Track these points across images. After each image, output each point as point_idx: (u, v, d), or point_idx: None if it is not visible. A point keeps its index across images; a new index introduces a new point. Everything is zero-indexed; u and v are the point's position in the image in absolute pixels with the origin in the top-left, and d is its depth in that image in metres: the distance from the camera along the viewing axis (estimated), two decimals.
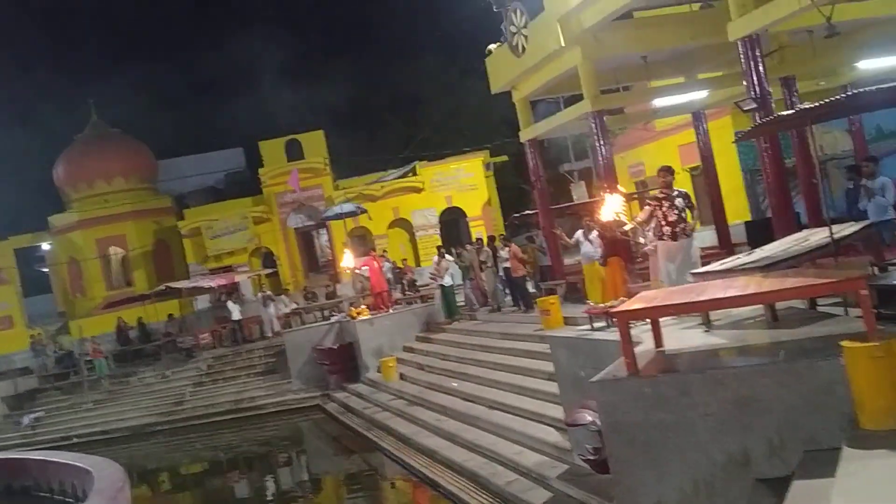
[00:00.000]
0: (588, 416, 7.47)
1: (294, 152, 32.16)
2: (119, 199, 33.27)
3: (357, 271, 23.06)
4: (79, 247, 32.98)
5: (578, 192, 27.98)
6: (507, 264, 16.74)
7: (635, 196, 20.79)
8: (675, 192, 9.48)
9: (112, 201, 33.16)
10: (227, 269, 30.71)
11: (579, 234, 13.50)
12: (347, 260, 22.36)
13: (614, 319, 8.96)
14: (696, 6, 14.18)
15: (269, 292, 26.54)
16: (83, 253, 32.83)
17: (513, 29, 14.92)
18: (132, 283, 32.69)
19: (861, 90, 6.62)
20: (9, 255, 33.43)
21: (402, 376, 17.86)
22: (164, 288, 26.92)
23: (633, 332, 6.61)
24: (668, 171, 9.61)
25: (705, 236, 16.53)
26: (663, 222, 9.43)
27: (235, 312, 26.10)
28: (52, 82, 42.89)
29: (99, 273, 32.93)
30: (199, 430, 21.71)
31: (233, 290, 28.69)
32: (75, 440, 21.93)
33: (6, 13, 42.24)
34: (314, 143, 32.35)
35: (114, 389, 25.21)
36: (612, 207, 9.71)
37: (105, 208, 32.93)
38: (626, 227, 9.86)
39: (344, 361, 20.41)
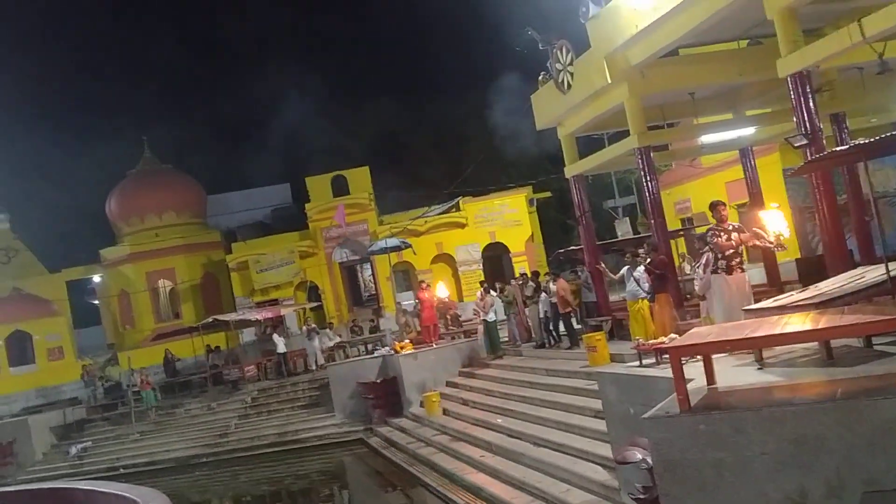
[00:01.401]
0: (638, 454, 7.38)
1: (340, 188, 32.63)
2: (169, 233, 34.01)
3: (401, 305, 23.20)
4: (129, 279, 33.69)
5: (623, 229, 27.85)
6: (554, 299, 16.66)
7: (681, 233, 20.65)
8: (731, 226, 9.42)
9: (162, 235, 33.91)
10: (273, 303, 31.08)
11: (625, 270, 13.44)
12: (441, 290, 22.53)
13: (664, 356, 8.91)
14: (743, 43, 14.18)
15: (313, 325, 26.75)
16: (133, 285, 33.51)
17: (559, 66, 15.04)
18: (180, 316, 33.23)
19: None
20: (61, 287, 34.28)
21: (445, 411, 17.81)
22: (211, 320, 27.30)
23: (684, 369, 6.55)
24: (721, 205, 9.56)
25: (753, 274, 16.24)
26: (720, 255, 9.36)
27: (280, 345, 26.33)
28: (107, 118, 44.18)
29: (148, 305, 33.57)
30: (243, 463, 21.82)
31: (278, 323, 28.99)
32: (122, 470, 22.21)
33: (67, 52, 43.74)
34: (360, 178, 32.78)
35: (160, 420, 25.51)
36: (774, 222, 9.25)
37: (155, 242, 33.68)
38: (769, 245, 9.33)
39: (387, 395, 20.42)
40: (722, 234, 9.34)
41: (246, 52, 59.27)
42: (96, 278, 35.16)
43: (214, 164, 40.78)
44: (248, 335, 30.50)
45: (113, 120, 44.34)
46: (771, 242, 9.12)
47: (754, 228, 9.40)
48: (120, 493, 6.25)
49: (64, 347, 32.49)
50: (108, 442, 24.86)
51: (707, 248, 9.70)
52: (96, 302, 36.74)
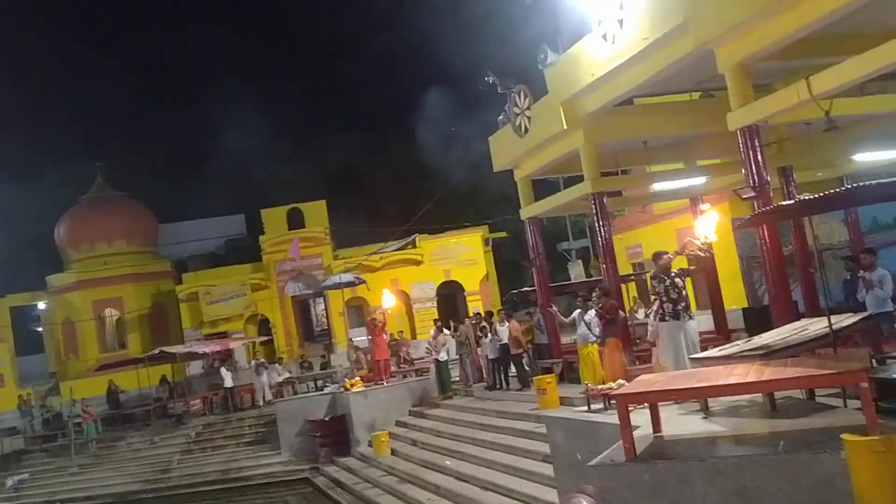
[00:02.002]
0: (584, 502, 7.36)
1: (295, 221, 32.48)
2: (119, 261, 33.43)
3: (353, 342, 22.98)
4: (75, 307, 32.94)
5: (576, 271, 28.12)
6: (504, 340, 16.66)
7: (632, 277, 20.89)
8: (674, 273, 9.57)
9: (111, 263, 33.31)
10: (223, 335, 30.62)
11: (576, 313, 13.52)
12: (387, 298, 22.05)
13: (613, 401, 8.95)
14: (696, 95, 14.53)
15: (262, 360, 26.35)
16: (79, 314, 32.78)
17: (516, 110, 15.24)
18: (126, 346, 32.53)
19: (860, 184, 6.75)
20: (4, 313, 33.41)
21: (394, 452, 17.60)
22: (158, 352, 26.75)
23: (631, 415, 6.58)
24: (662, 254, 9.71)
25: (702, 321, 16.52)
26: (665, 299, 9.49)
27: (228, 379, 25.84)
28: (58, 144, 43.49)
29: (93, 335, 32.85)
30: (184, 500, 21.25)
31: (227, 357, 28.51)
32: None
33: (18, 75, 43.07)
34: (316, 212, 32.67)
35: (101, 454, 24.79)
36: (704, 225, 9.54)
37: (104, 270, 33.05)
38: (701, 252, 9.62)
39: (335, 434, 20.13)
40: (663, 281, 9.52)
41: (205, 82, 59.06)
42: (41, 305, 34.36)
43: (168, 192, 40.20)
44: (195, 368, 29.95)
45: (64, 145, 43.64)
46: (701, 248, 9.35)
47: (687, 239, 9.61)
48: None
49: (5, 375, 31.59)
50: (46, 475, 24.06)
51: (658, 295, 9.82)
52: (40, 329, 35.82)
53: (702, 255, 9.74)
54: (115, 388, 28.05)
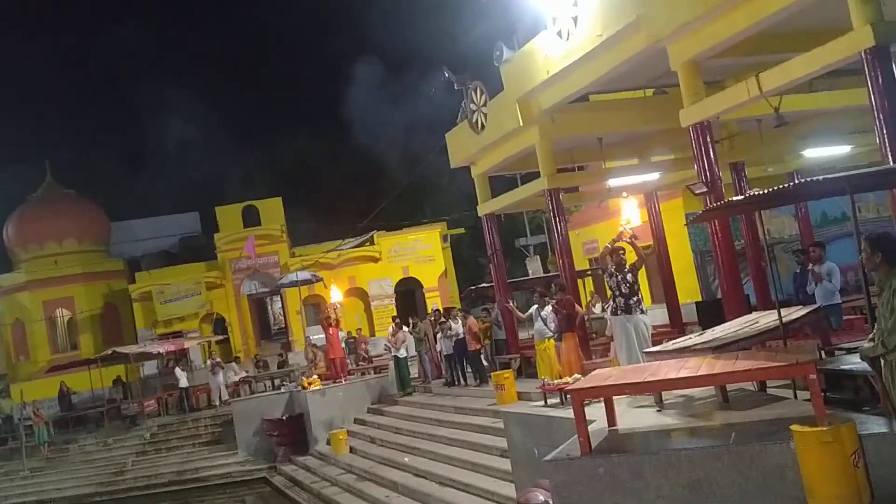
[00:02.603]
0: (540, 496, 7.41)
1: (251, 219, 32.13)
2: (70, 260, 32.73)
3: (311, 340, 22.84)
4: (25, 308, 32.21)
5: (533, 267, 28.20)
6: (459, 336, 16.69)
7: (589, 273, 21.05)
8: (627, 269, 9.66)
9: (62, 263, 32.62)
10: (177, 335, 30.17)
11: (534, 308, 13.58)
12: (335, 294, 22.06)
13: (568, 396, 9.01)
14: (649, 92, 14.68)
15: (218, 359, 26.02)
16: (29, 314, 32.05)
17: (473, 107, 15.25)
18: (78, 347, 31.89)
19: (808, 180, 6.87)
20: None
21: (352, 450, 17.51)
22: (110, 352, 26.25)
23: (587, 409, 6.62)
24: (620, 250, 9.80)
25: (657, 315, 16.73)
26: (617, 292, 9.58)
27: (183, 379, 25.49)
28: (6, 141, 42.44)
29: (44, 336, 32.14)
30: (140, 502, 20.93)
31: (181, 357, 28.10)
32: None
33: None
34: (272, 210, 32.36)
35: (53, 457, 24.26)
36: (628, 214, 9.71)
37: (54, 270, 32.35)
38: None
39: (293, 433, 19.97)
40: (614, 276, 9.62)
41: (157, 79, 58.13)
42: None
43: (120, 190, 39.52)
44: (149, 368, 29.48)
45: (12, 143, 42.58)
46: (627, 233, 9.52)
47: (621, 228, 9.76)
48: None
49: None
50: None
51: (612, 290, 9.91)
52: None
53: (634, 242, 9.84)
54: (66, 389, 27.48)
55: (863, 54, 8.09)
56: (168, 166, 44.16)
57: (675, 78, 10.77)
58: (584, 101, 14.25)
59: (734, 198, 9.31)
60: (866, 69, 8.11)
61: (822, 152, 15.20)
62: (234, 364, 26.41)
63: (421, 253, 32.48)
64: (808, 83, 11.46)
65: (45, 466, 23.74)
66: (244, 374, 25.75)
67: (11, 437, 25.53)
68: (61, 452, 24.58)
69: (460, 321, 16.79)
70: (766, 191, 6.95)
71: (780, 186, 6.99)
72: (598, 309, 17.48)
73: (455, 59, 16.45)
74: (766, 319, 8.16)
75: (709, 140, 10.22)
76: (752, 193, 7.77)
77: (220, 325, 31.80)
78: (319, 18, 57.25)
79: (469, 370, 16.80)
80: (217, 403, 24.82)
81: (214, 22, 59.20)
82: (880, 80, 8.03)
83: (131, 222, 38.22)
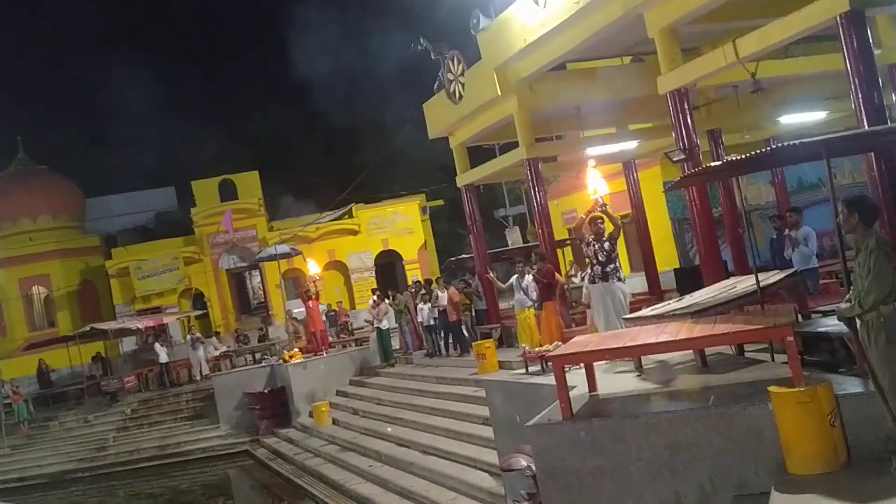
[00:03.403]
0: (523, 461, 7.49)
1: (228, 193, 31.87)
2: (44, 237, 32.32)
3: (291, 314, 22.81)
4: (0, 286, 31.83)
5: (513, 238, 28.30)
6: (441, 307, 16.73)
7: (568, 242, 21.12)
8: (605, 238, 9.69)
9: (37, 240, 32.20)
10: (156, 311, 29.99)
11: (514, 279, 13.63)
12: (313, 267, 22.03)
13: (549, 364, 9.08)
14: (627, 59, 14.66)
15: (198, 334, 25.90)
16: (4, 293, 31.71)
17: (450, 76, 15.16)
18: (56, 325, 31.64)
19: (784, 144, 6.90)
20: None
21: (335, 421, 17.59)
22: (88, 329, 26.08)
23: (567, 376, 6.68)
24: (598, 220, 9.79)
25: (636, 283, 16.86)
26: (594, 261, 9.62)
27: (163, 355, 25.38)
28: None
29: (21, 313, 31.82)
30: (122, 478, 20.90)
31: (160, 333, 27.96)
32: None
33: None
34: (249, 183, 32.10)
35: (33, 434, 24.16)
36: (595, 184, 9.72)
37: (29, 247, 31.92)
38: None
39: (275, 406, 20.01)
40: (591, 245, 9.65)
41: (128, 52, 57.16)
42: None
43: (94, 166, 39.02)
44: (128, 344, 29.31)
45: None
46: (599, 202, 9.55)
47: (593, 197, 9.78)
48: None
49: None
50: None
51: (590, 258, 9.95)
52: None
53: (607, 210, 9.84)
54: (45, 367, 27.32)
55: (838, 19, 8.12)
56: (142, 142, 43.66)
57: (652, 45, 10.77)
58: (562, 70, 14.19)
59: (712, 163, 9.35)
60: (841, 34, 8.15)
61: (799, 119, 15.29)
62: (213, 339, 26.34)
63: (400, 225, 32.42)
64: (784, 49, 11.50)
65: (26, 444, 23.64)
66: (224, 349, 25.70)
67: None
68: (41, 430, 24.48)
69: (444, 292, 16.83)
70: (743, 156, 6.99)
71: (758, 151, 7.02)
72: (577, 279, 17.59)
73: (431, 27, 16.30)
74: (743, 284, 8.24)
75: (686, 107, 10.25)
76: (729, 159, 7.81)
77: (198, 301, 31.63)
78: None
79: (451, 340, 16.88)
80: (198, 378, 24.76)
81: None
82: (855, 44, 8.08)
83: (106, 198, 37.79)
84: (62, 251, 32.27)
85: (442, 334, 17.28)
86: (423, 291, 18.08)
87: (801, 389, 5.09)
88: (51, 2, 56.74)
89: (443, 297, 16.67)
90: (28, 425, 24.49)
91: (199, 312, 30.38)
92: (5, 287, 31.70)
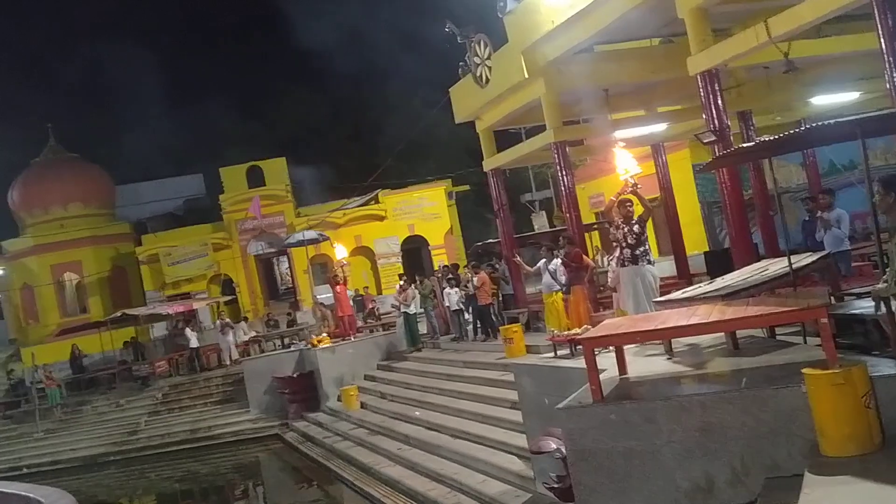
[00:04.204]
0: (552, 444, 7.49)
1: (255, 179, 32.07)
2: (76, 224, 32.79)
3: (318, 299, 22.97)
4: (33, 272, 32.36)
5: (539, 222, 28.14)
6: (473, 291, 16.73)
7: (595, 226, 21.02)
8: (634, 221, 9.63)
9: (68, 227, 32.68)
10: (185, 296, 30.34)
11: (541, 262, 13.59)
12: (340, 252, 22.16)
13: (578, 347, 9.06)
14: (656, 41, 14.51)
15: (227, 320, 26.21)
16: (37, 279, 32.21)
17: (476, 60, 15.09)
18: (87, 310, 32.12)
19: (819, 124, 6.81)
20: None
21: (363, 405, 17.72)
22: (120, 315, 26.46)
23: (597, 359, 6.66)
24: (628, 202, 9.73)
25: (664, 267, 16.69)
26: (623, 244, 9.57)
27: (193, 340, 25.70)
28: (9, 105, 42.26)
29: (53, 300, 32.34)
30: (153, 461, 21.25)
31: (191, 318, 28.29)
32: (25, 470, 21.37)
33: None
34: (276, 170, 32.27)
35: (66, 418, 24.60)
36: (624, 164, 9.58)
37: (61, 234, 32.40)
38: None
39: (304, 390, 20.20)
40: (621, 228, 9.58)
41: (158, 40, 57.49)
42: None
43: (124, 153, 39.42)
44: (159, 330, 29.69)
45: (15, 104, 42.36)
46: (630, 182, 9.40)
47: (623, 178, 9.61)
48: (24, 493, 6.03)
49: None
50: (10, 441, 23.82)
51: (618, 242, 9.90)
52: None
53: (637, 191, 9.70)
54: (78, 352, 27.73)
55: None
56: (171, 129, 43.95)
57: (681, 26, 10.62)
58: (591, 52, 14.08)
59: (745, 144, 9.24)
60: (876, 12, 7.98)
61: (831, 99, 15.04)
62: (243, 324, 26.62)
63: (426, 210, 32.44)
64: (817, 28, 11.31)
65: (59, 428, 24.07)
66: (254, 334, 25.96)
67: (24, 400, 25.86)
68: (74, 414, 24.91)
69: (474, 276, 16.82)
70: (777, 137, 6.90)
71: (792, 132, 6.93)
72: (604, 263, 17.50)
73: (457, 11, 16.19)
74: (775, 266, 8.14)
75: (717, 88, 10.11)
76: (763, 140, 7.71)
77: (227, 286, 31.93)
78: None
79: (479, 325, 16.90)
80: (227, 363, 25.06)
81: None
82: (890, 23, 7.90)
83: (136, 185, 38.22)
84: (93, 238, 32.72)
85: (471, 318, 17.27)
86: (451, 276, 18.10)
87: (836, 371, 5.03)
88: None
89: (474, 280, 16.65)
90: (61, 410, 24.92)
91: (228, 298, 30.69)
92: (38, 274, 32.20)
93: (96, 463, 21.71)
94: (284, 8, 51.60)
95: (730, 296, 7.18)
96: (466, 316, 17.40)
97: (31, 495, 5.85)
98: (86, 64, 55.54)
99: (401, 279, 20.75)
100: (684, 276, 15.42)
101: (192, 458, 20.81)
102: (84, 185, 33.52)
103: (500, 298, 17.13)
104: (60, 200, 33.00)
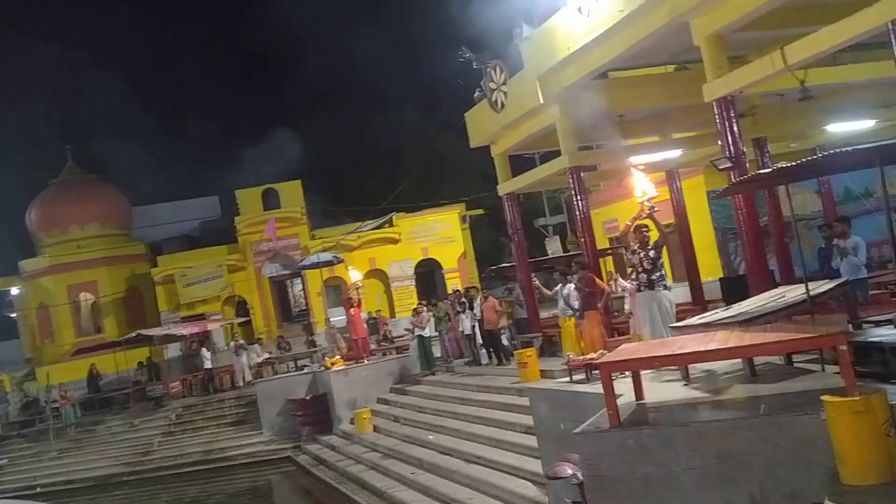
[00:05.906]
0: (569, 469, 7.46)
1: (271, 201, 32.27)
2: (92, 244, 33.03)
3: (330, 322, 23.01)
4: (49, 292, 32.58)
5: (553, 247, 28.19)
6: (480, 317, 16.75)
7: (609, 251, 21.01)
8: (650, 246, 9.65)
9: (85, 247, 32.92)
10: (200, 317, 30.44)
11: (558, 287, 13.61)
12: (355, 274, 22.23)
13: (594, 371, 9.06)
14: (671, 68, 14.58)
15: (241, 341, 26.28)
16: (53, 298, 32.42)
17: (492, 85, 15.21)
18: (102, 330, 32.28)
19: (837, 151, 6.84)
20: None
21: (376, 428, 17.68)
22: (135, 335, 26.60)
23: (614, 384, 6.66)
24: (643, 228, 9.77)
25: (679, 293, 16.66)
26: (639, 269, 9.58)
27: (207, 361, 25.77)
28: (28, 127, 42.78)
29: (69, 319, 32.51)
30: (166, 482, 21.24)
31: (205, 339, 28.39)
32: (38, 490, 21.41)
33: None
34: (292, 192, 32.47)
35: (80, 438, 24.67)
36: (642, 186, 9.58)
37: (78, 254, 32.65)
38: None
39: (317, 413, 20.18)
40: (637, 253, 9.60)
41: (177, 62, 58.19)
42: (14, 290, 33.92)
43: (141, 174, 39.75)
44: (173, 350, 29.77)
45: (33, 129, 42.87)
46: (647, 205, 9.39)
47: (640, 201, 9.60)
48: None
49: None
50: (24, 460, 23.91)
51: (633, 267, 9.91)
52: (14, 315, 35.42)
53: (654, 216, 9.70)
54: (96, 371, 27.86)
55: (890, 25, 7.99)
56: (188, 151, 44.36)
57: (697, 53, 10.69)
58: (606, 78, 14.17)
59: (761, 170, 9.26)
60: (893, 40, 8.02)
61: (846, 127, 15.05)
62: (256, 345, 26.67)
63: (440, 234, 32.52)
64: (833, 56, 11.34)
65: (73, 447, 24.14)
66: (267, 356, 26.00)
67: (39, 419, 25.95)
68: (88, 434, 24.97)
69: (478, 301, 16.85)
70: (795, 163, 6.92)
71: (809, 158, 6.95)
72: (618, 288, 17.48)
73: (473, 37, 16.35)
74: (792, 293, 8.13)
75: (733, 114, 10.16)
76: (780, 166, 7.73)
77: (242, 308, 32.03)
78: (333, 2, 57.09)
79: (489, 350, 16.89)
80: (241, 384, 25.08)
81: (232, 8, 59.07)
82: None
83: (153, 206, 38.48)
84: (109, 258, 32.95)
85: (484, 343, 17.26)
86: (462, 300, 18.12)
87: (856, 398, 5.02)
88: (97, 11, 58.00)
89: (478, 306, 16.68)
90: (76, 429, 24.99)
91: (243, 319, 30.77)
92: (54, 293, 32.43)
93: (109, 483, 21.72)
94: (302, 35, 52.16)
95: (747, 322, 7.17)
96: (479, 340, 17.39)
97: None
98: (107, 86, 56.19)
99: (418, 304, 20.74)
100: (699, 303, 15.38)
101: (205, 480, 20.79)
102: (102, 206, 33.84)
103: (515, 322, 17.11)
104: (78, 220, 33.30)
